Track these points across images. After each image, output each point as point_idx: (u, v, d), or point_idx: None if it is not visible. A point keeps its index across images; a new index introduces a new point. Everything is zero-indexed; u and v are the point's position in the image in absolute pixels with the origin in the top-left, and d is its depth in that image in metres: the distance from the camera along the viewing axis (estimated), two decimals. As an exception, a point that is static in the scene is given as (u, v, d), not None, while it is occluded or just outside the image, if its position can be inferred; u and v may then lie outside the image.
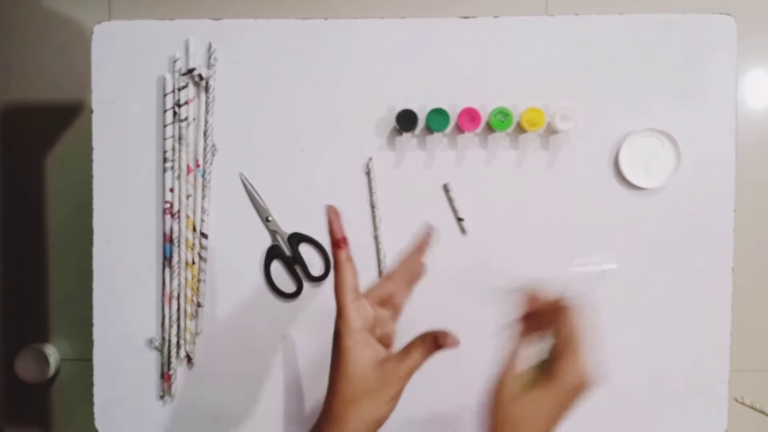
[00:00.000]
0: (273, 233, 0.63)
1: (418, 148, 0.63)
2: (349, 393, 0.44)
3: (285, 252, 0.63)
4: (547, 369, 0.44)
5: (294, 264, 0.63)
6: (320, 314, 0.64)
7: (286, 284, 0.63)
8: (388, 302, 0.49)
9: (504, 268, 0.63)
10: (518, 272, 0.63)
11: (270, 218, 0.61)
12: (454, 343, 0.44)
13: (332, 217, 0.46)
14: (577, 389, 0.42)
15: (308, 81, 0.63)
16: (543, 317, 0.46)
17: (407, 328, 0.63)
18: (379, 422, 0.44)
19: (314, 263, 0.64)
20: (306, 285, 0.64)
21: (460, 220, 0.62)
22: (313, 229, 0.63)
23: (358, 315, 0.45)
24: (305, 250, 0.63)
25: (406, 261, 0.50)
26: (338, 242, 0.46)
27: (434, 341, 0.44)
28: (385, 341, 0.48)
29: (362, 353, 0.44)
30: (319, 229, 0.63)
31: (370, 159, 0.61)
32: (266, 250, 0.63)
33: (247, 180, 0.61)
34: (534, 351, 0.46)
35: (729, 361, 0.62)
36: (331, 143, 0.63)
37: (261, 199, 0.62)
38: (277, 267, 0.63)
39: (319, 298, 0.64)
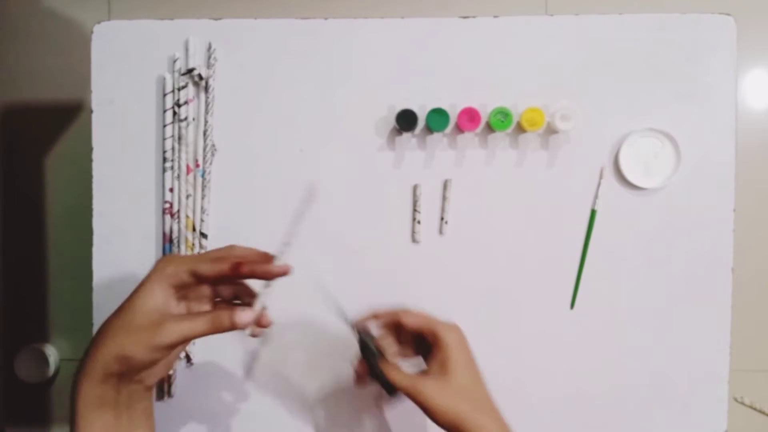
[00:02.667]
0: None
1: (418, 147, 0.63)
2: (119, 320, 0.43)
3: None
4: None
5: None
6: (320, 313, 0.63)
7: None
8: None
9: (503, 267, 0.63)
10: (518, 272, 0.63)
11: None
12: (246, 322, 0.44)
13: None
14: None
15: (308, 81, 0.63)
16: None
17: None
18: (129, 361, 0.42)
19: (314, 263, 0.64)
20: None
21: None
22: (312, 228, 0.63)
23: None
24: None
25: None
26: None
27: (228, 318, 0.43)
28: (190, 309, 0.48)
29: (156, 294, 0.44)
30: (318, 229, 0.63)
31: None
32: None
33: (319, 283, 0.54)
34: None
35: (729, 361, 0.62)
36: (331, 143, 0.63)
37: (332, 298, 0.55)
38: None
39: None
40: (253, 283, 0.49)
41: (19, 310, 1.32)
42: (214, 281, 0.47)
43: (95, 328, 0.64)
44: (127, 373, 0.43)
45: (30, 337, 1.31)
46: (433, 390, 0.49)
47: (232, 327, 0.44)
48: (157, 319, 0.43)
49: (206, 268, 0.45)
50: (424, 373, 0.51)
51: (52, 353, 1.29)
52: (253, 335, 0.48)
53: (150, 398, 0.47)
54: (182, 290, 0.46)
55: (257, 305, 0.46)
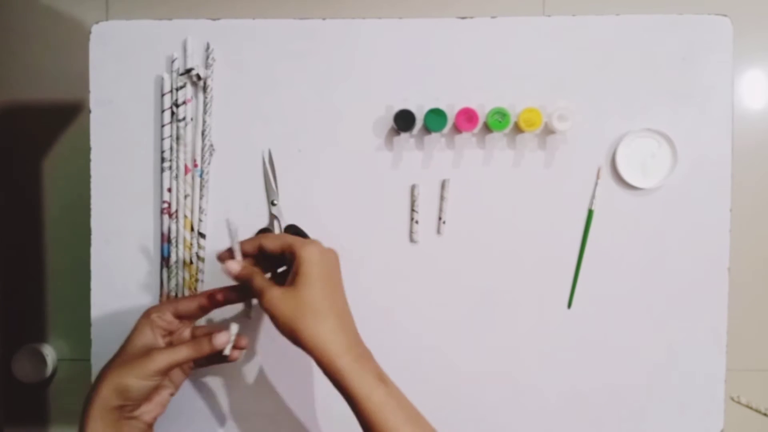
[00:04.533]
0: (273, 218, 0.63)
1: (416, 148, 0.63)
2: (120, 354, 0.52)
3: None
4: None
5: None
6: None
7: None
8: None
9: (501, 267, 0.63)
10: (516, 271, 0.63)
11: (276, 202, 0.61)
12: (223, 342, 0.52)
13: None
14: None
15: (306, 81, 0.63)
16: None
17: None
18: (126, 391, 0.49)
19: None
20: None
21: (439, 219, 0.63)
22: (310, 229, 0.63)
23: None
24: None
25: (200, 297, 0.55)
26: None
27: (207, 342, 0.52)
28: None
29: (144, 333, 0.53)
30: (316, 229, 0.63)
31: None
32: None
33: (269, 158, 0.57)
34: None
35: (725, 360, 0.63)
36: (329, 143, 0.63)
37: (275, 181, 0.61)
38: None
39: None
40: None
41: (17, 309, 1.32)
42: (196, 316, 0.55)
43: (93, 328, 0.64)
44: (126, 406, 0.50)
45: (28, 336, 1.31)
46: (277, 298, 0.49)
47: (212, 349, 0.52)
48: (146, 352, 0.51)
49: (185, 305, 0.54)
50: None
51: (49, 353, 1.29)
52: (231, 358, 0.54)
53: None
54: (169, 334, 0.54)
55: (232, 329, 0.53)
